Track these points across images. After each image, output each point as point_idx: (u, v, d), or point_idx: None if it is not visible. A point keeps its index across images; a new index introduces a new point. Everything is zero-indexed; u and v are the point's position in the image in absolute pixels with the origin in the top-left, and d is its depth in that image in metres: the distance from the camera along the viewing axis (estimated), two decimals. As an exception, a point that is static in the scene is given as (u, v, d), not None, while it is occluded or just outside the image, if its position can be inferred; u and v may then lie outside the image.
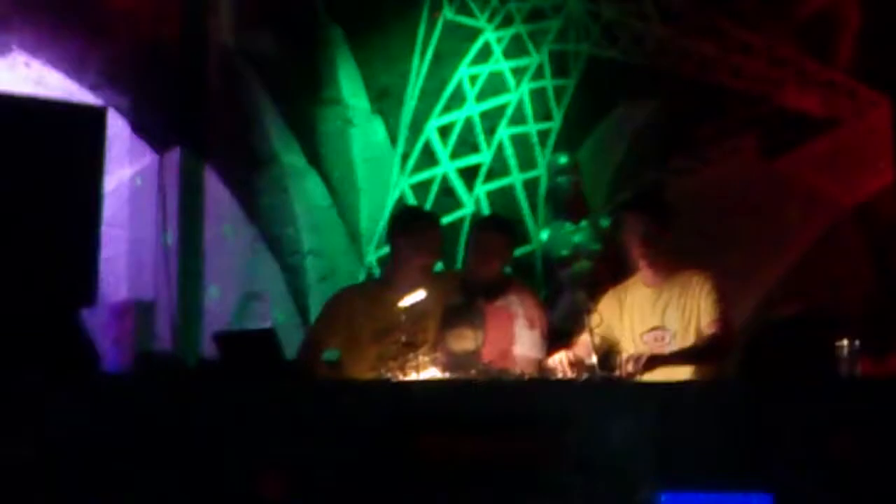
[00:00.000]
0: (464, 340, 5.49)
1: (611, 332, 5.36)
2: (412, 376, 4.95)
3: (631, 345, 5.26)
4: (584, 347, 5.21)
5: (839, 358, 4.80)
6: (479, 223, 5.99)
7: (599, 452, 4.41)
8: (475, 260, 5.61)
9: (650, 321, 5.29)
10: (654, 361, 5.04)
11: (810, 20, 7.03)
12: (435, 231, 5.61)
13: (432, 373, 5.07)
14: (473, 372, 5.06)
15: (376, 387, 4.79)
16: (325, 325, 5.56)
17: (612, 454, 4.41)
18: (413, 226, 5.58)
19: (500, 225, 5.78)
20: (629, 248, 5.34)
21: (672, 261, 5.32)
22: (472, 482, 4.36)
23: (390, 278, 5.54)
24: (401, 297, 5.28)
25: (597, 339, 5.19)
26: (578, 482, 4.40)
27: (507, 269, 5.82)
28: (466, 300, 5.56)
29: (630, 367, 4.94)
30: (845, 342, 4.80)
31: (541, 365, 5.32)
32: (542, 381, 4.93)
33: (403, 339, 5.10)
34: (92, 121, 5.99)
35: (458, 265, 6.99)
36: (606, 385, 4.83)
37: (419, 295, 5.35)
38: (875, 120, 6.80)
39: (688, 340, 5.22)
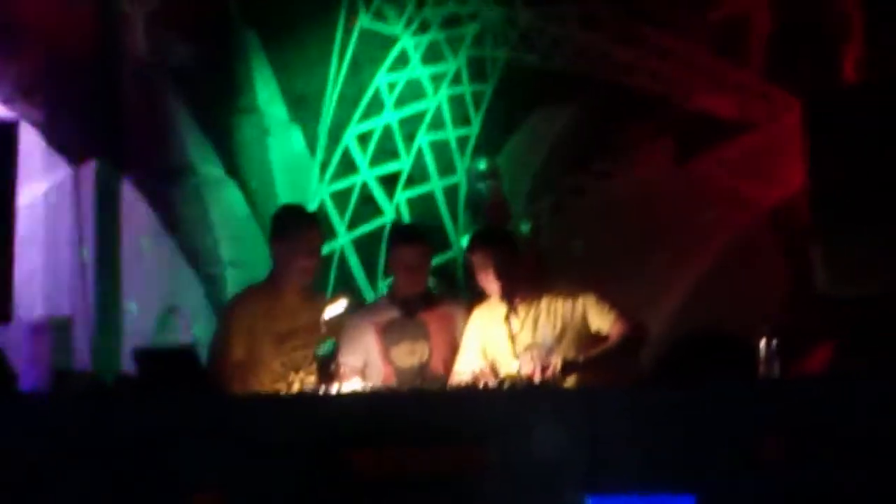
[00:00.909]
0: (410, 356, 5.48)
1: (491, 349, 5.43)
2: (334, 388, 4.94)
3: (509, 362, 5.31)
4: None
5: (758, 359, 4.85)
6: (396, 237, 5.92)
7: (525, 459, 4.42)
8: (401, 277, 5.61)
9: (523, 340, 5.35)
10: (570, 368, 5.11)
11: (723, 24, 7.10)
12: (312, 231, 5.56)
13: (355, 384, 5.06)
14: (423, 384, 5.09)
15: (300, 401, 4.77)
16: (229, 332, 5.45)
17: (538, 460, 4.42)
18: (287, 228, 5.54)
19: (417, 236, 5.76)
20: (484, 286, 5.41)
21: (528, 288, 5.43)
22: (399, 494, 4.36)
23: (276, 283, 5.50)
24: (290, 302, 5.38)
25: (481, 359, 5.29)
26: (505, 489, 4.41)
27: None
28: (404, 313, 5.55)
29: (546, 376, 4.99)
30: (763, 343, 4.86)
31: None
32: (467, 390, 4.94)
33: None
34: (3, 135, 5.91)
35: (380, 271, 7.05)
36: (530, 392, 4.85)
37: (341, 305, 5.35)
38: (788, 123, 6.87)
39: (567, 352, 5.26)
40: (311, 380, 5.03)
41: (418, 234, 5.84)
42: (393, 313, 5.57)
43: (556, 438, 4.43)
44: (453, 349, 5.52)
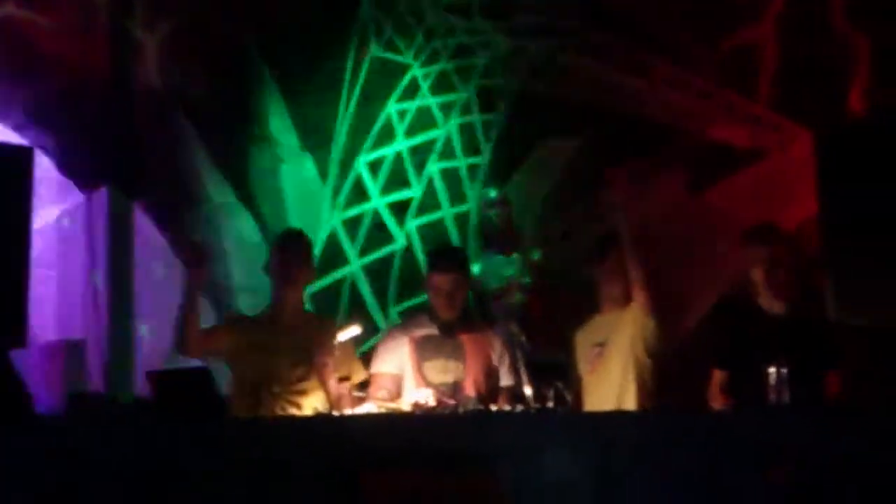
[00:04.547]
0: (443, 373, 5.49)
1: None
2: (347, 411, 4.95)
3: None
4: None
5: (768, 385, 4.85)
6: (431, 265, 5.76)
7: (538, 485, 4.42)
8: (435, 303, 5.62)
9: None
10: None
11: (732, 55, 7.13)
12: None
13: (369, 407, 5.07)
14: (453, 404, 5.08)
15: (316, 423, 4.78)
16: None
17: (551, 486, 4.42)
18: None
19: (451, 265, 5.70)
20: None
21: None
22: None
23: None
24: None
25: None
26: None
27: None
28: (442, 332, 5.57)
29: None
30: (773, 370, 4.85)
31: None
32: (480, 414, 4.94)
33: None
34: (18, 161, 5.94)
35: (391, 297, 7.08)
36: (543, 416, 4.86)
37: (354, 330, 5.41)
38: (798, 152, 6.90)
39: None
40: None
41: (453, 262, 5.75)
42: (431, 330, 5.59)
43: (570, 465, 4.43)
44: (487, 373, 5.54)
